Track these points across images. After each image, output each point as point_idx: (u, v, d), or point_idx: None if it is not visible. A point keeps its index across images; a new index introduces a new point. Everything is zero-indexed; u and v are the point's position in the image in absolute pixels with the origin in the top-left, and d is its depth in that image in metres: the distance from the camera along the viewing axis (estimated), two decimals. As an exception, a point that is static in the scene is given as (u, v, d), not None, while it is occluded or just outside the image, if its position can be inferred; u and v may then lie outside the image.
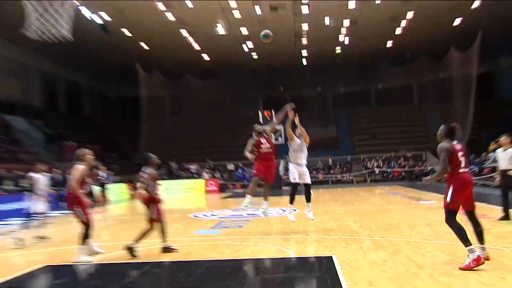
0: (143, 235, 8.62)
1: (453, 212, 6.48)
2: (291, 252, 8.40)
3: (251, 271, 7.01)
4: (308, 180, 10.62)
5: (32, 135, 35.04)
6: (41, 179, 12.15)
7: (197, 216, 15.50)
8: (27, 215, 12.77)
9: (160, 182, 8.98)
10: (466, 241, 6.28)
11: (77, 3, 5.71)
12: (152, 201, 8.69)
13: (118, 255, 9.08)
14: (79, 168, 8.39)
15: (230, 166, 36.72)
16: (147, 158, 8.98)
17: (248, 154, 10.93)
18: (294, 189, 10.51)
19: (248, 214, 14.83)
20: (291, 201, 10.51)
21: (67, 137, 36.77)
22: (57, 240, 11.82)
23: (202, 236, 10.84)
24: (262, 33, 11.59)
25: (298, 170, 10.46)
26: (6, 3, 25.78)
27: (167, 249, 8.69)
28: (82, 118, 46.29)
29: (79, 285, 7.21)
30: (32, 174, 12.54)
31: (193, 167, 35.91)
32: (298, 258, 7.93)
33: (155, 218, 8.67)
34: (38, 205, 11.87)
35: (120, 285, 6.78)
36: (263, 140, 10.70)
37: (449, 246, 7.95)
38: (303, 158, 10.60)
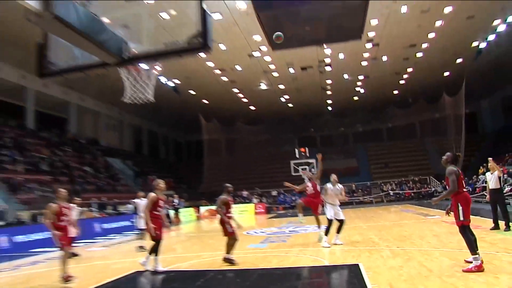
0: (230, 247, 8.43)
1: (466, 226, 6.27)
2: (325, 261, 8.19)
3: (294, 276, 6.81)
4: (342, 216, 10.38)
5: (125, 172, 35.91)
6: (141, 203, 12.31)
7: (249, 233, 15.32)
8: (136, 230, 13.08)
9: (232, 205, 8.69)
10: (473, 250, 6.11)
11: (157, 73, 5.91)
12: (222, 221, 8.44)
13: (190, 264, 9.05)
14: (151, 196, 8.20)
15: (274, 193, 36.46)
16: (223, 187, 8.71)
17: (297, 188, 11.91)
18: (330, 224, 10.18)
19: (289, 231, 14.64)
20: (326, 233, 10.17)
21: (149, 173, 37.46)
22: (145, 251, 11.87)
23: (254, 249, 10.66)
24: (274, 35, 11.65)
25: (334, 210, 10.26)
26: (108, 76, 26.80)
27: (228, 260, 8.39)
28: (160, 159, 47.26)
29: (161, 285, 7.20)
30: (135, 200, 12.98)
31: (244, 194, 35.77)
32: (331, 266, 7.72)
33: (229, 233, 8.39)
34: (140, 222, 11.93)
35: (193, 287, 6.71)
36: (309, 184, 11.07)
37: (452, 253, 7.75)
38: (336, 200, 10.40)
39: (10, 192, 20.43)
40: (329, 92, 38.47)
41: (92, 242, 15.80)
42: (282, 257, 8.94)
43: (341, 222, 10.38)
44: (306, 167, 29.69)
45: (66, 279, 7.53)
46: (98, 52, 4.59)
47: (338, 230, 10.37)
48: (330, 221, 10.28)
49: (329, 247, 9.81)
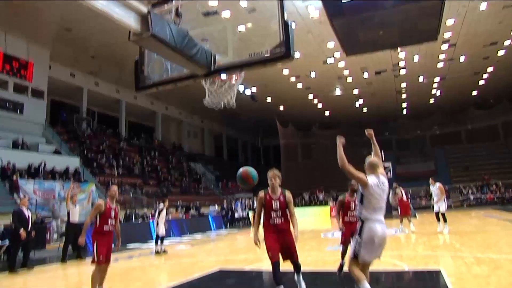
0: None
1: None
2: (405, 265, 7.78)
3: (372, 281, 6.63)
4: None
5: (207, 176, 37.24)
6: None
7: (327, 235, 15.16)
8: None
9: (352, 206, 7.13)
10: None
11: (239, 81, 6.10)
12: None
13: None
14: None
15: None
16: (348, 185, 7.50)
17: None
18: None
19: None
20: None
21: (229, 177, 38.53)
22: (227, 250, 12.23)
23: (333, 251, 10.51)
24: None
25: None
26: (189, 86, 28.06)
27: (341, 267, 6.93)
28: (239, 163, 48.27)
29: (243, 283, 7.32)
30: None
31: (321, 196, 35.43)
32: (412, 272, 7.27)
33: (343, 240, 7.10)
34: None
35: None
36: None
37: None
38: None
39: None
40: (404, 95, 37.05)
41: (178, 240, 16.60)
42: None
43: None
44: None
45: None
46: (189, 64, 4.89)
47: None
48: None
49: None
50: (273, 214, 5.38)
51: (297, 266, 5.45)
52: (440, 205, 13.32)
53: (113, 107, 32.69)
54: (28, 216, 10.16)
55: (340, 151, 4.56)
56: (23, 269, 9.69)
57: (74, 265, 10.44)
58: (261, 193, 5.49)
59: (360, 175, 4.53)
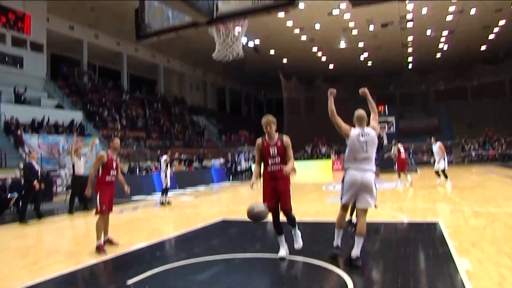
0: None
1: None
2: (404, 217, 7.94)
3: (372, 231, 6.74)
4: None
5: (209, 129, 37.33)
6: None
7: (328, 188, 15.33)
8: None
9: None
10: None
11: (240, 34, 5.90)
12: None
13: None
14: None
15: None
16: None
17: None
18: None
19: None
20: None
21: (232, 130, 38.59)
22: (230, 202, 12.44)
23: (334, 204, 10.65)
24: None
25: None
26: (191, 38, 27.54)
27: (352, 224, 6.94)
28: (241, 116, 48.21)
29: (246, 232, 7.48)
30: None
31: (323, 150, 35.59)
32: (410, 223, 7.44)
33: None
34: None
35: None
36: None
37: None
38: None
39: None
40: (410, 49, 36.26)
41: (182, 192, 16.86)
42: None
43: None
44: (385, 125, 28.69)
45: (101, 248, 6.05)
46: (190, 11, 4.73)
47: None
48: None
49: None
50: (270, 161, 5.13)
51: (289, 218, 5.21)
52: (440, 164, 13.62)
53: (114, 60, 32.25)
54: (37, 169, 10.32)
55: (331, 103, 5.05)
56: (33, 220, 9.92)
57: (81, 216, 10.67)
58: (259, 140, 5.32)
59: (344, 126, 4.98)
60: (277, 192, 5.08)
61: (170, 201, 12.47)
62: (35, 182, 9.89)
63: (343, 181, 5.11)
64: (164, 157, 12.64)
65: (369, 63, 40.30)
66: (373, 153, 4.92)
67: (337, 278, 4.30)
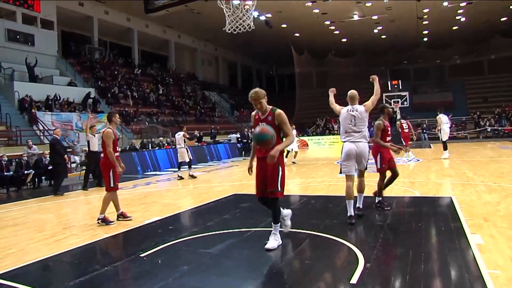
0: (385, 184, 6.58)
1: None
2: (417, 192, 7.89)
3: (385, 205, 6.72)
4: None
5: (221, 105, 37.28)
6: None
7: (340, 163, 15.24)
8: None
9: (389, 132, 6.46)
10: None
11: (250, 7, 5.77)
12: (377, 151, 6.30)
13: (285, 189, 9.34)
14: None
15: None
16: (382, 107, 6.60)
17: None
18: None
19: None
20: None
21: (243, 105, 38.50)
22: (242, 177, 12.50)
23: (344, 178, 10.63)
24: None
25: None
26: (202, 13, 27.16)
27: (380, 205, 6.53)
28: (254, 92, 47.91)
29: (257, 207, 7.52)
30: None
31: (336, 126, 35.37)
32: (422, 197, 7.39)
33: (381, 167, 6.33)
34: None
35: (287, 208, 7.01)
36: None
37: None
38: None
39: (124, 123, 22.40)
40: (425, 22, 35.13)
41: (194, 167, 16.99)
42: (374, 187, 8.83)
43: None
44: (399, 100, 28.28)
45: (107, 219, 6.33)
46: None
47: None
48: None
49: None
50: None
51: (272, 207, 4.62)
52: (441, 135, 15.17)
53: (125, 37, 32.12)
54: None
55: (331, 97, 6.29)
56: (49, 196, 10.17)
57: (95, 191, 10.85)
58: (253, 113, 4.73)
59: (337, 108, 5.98)
60: (265, 174, 4.52)
61: (182, 176, 12.69)
62: (65, 156, 10.96)
63: (341, 153, 5.70)
64: (181, 133, 12.92)
65: (383, 37, 39.37)
66: (362, 127, 5.61)
67: (348, 252, 4.33)
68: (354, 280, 3.49)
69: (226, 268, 4.04)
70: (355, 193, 5.78)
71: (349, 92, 5.83)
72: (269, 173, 4.47)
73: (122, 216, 6.59)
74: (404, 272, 3.69)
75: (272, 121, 4.49)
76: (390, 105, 28.37)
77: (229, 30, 5.70)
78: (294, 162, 15.93)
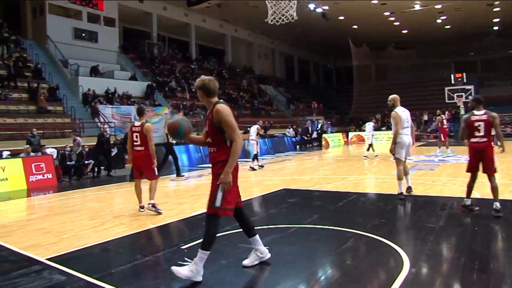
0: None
1: None
2: (477, 193, 7.22)
3: (438, 206, 6.30)
4: None
5: (278, 98, 37.20)
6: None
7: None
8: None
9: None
10: None
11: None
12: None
13: (335, 185, 9.14)
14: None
15: (425, 117, 33.62)
16: (474, 100, 5.86)
17: None
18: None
19: (439, 160, 13.71)
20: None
21: (300, 99, 38.15)
22: (294, 171, 12.37)
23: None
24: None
25: None
26: (258, 7, 27.07)
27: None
28: (310, 85, 47.40)
29: (305, 202, 7.41)
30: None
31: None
32: (481, 199, 6.70)
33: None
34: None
35: (335, 206, 6.82)
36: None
37: None
38: None
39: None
40: (496, 9, 32.51)
41: (246, 161, 17.06)
42: (429, 185, 8.40)
43: None
44: (463, 94, 26.53)
45: (155, 206, 6.66)
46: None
47: None
48: None
49: None
50: (208, 139, 3.64)
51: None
52: None
53: (183, 31, 32.96)
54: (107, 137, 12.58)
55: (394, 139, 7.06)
56: (105, 184, 10.67)
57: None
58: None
59: (397, 120, 6.98)
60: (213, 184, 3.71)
61: (263, 165, 13.83)
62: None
63: (395, 143, 6.98)
64: (257, 126, 13.68)
65: (447, 27, 37.13)
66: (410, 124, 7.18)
67: (393, 255, 4.08)
68: (396, 286, 3.25)
69: (264, 264, 3.95)
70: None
71: (393, 97, 7.28)
72: (211, 189, 3.73)
73: (142, 208, 6.90)
74: (453, 281, 3.42)
75: (211, 120, 3.48)
76: (453, 99, 26.84)
77: (271, 21, 5.56)
78: (365, 156, 15.61)
